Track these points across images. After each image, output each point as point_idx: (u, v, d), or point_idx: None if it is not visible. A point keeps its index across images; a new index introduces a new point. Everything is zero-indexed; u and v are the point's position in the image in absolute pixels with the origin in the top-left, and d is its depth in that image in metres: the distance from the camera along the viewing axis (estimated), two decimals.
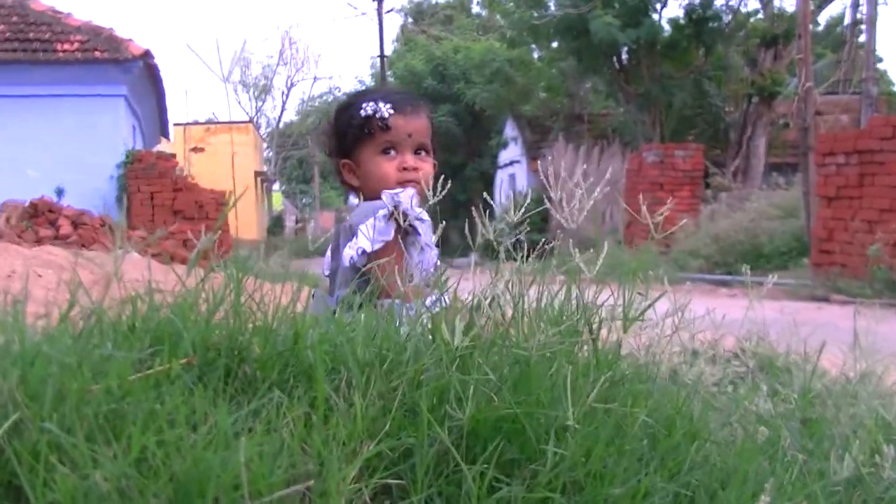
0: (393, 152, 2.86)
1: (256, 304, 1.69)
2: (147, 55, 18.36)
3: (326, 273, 2.88)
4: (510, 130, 31.69)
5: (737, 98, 24.63)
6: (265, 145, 53.30)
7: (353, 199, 2.85)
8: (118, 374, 1.45)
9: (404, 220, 2.59)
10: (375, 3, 41.85)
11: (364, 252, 2.55)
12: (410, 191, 2.66)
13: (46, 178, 16.80)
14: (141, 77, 19.07)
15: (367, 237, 2.57)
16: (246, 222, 33.49)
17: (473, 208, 2.02)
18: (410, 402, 1.52)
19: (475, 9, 44.30)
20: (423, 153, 2.92)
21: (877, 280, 10.46)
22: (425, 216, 2.67)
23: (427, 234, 2.64)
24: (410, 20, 48.89)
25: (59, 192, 16.92)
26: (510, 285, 1.78)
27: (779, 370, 2.77)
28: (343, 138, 2.92)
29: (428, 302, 2.01)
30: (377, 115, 2.84)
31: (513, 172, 30.82)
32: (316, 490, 1.32)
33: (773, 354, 2.97)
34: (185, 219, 17.75)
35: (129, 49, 18.15)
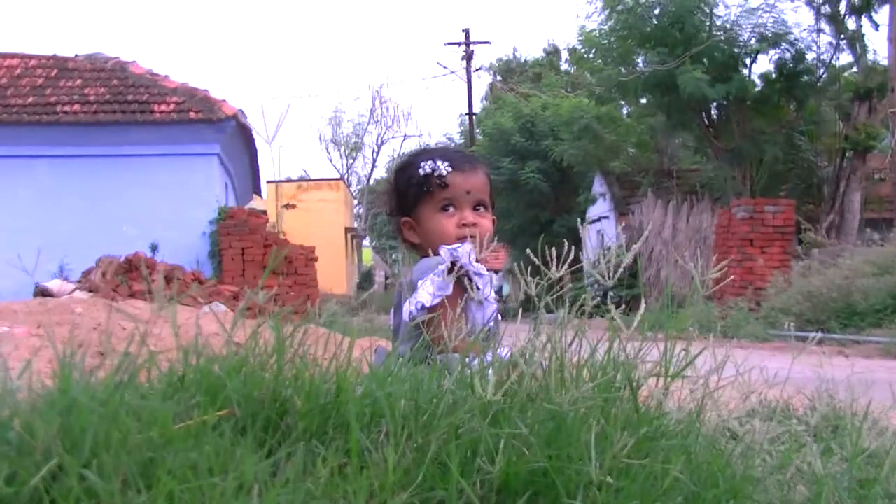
0: (452, 209, 2.89)
1: (300, 358, 1.73)
2: (239, 115, 18.84)
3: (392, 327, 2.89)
4: (598, 186, 31.59)
5: (830, 152, 24.22)
6: (356, 202, 53.96)
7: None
8: (160, 424, 1.50)
9: (463, 274, 2.61)
10: (464, 62, 42.29)
11: (423, 307, 2.56)
12: (468, 245, 2.69)
13: (142, 235, 17.29)
14: (233, 136, 19.57)
15: (426, 291, 2.59)
16: (336, 277, 33.82)
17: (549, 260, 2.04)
18: (444, 455, 1.53)
19: (563, 66, 44.49)
20: (482, 209, 2.94)
21: None
22: (484, 270, 2.70)
23: (486, 289, 2.67)
24: (499, 78, 49.30)
25: (154, 248, 17.36)
26: (552, 340, 1.79)
27: (844, 430, 2.72)
28: (403, 196, 2.96)
29: (487, 357, 2.02)
30: (436, 174, 2.88)
31: (600, 228, 30.64)
32: None
33: (837, 413, 2.91)
34: (274, 274, 18.02)
35: (223, 109, 18.66)
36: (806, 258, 17.99)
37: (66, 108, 18.77)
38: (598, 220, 31.29)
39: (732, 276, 18.61)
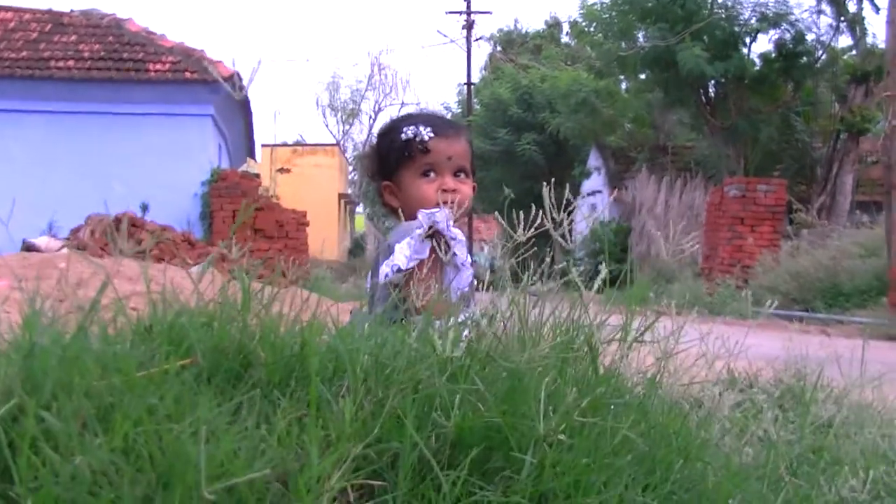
0: (433, 174, 2.91)
1: (266, 312, 1.76)
2: (236, 77, 18.74)
3: (369, 291, 2.89)
4: (594, 160, 31.58)
5: (825, 134, 24.23)
6: (351, 168, 53.88)
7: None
8: (122, 371, 1.53)
9: (440, 239, 2.61)
10: (465, 31, 42.14)
11: (399, 269, 2.58)
12: (446, 210, 2.68)
13: (132, 194, 17.26)
14: (228, 98, 19.52)
15: (402, 254, 2.61)
16: (328, 243, 33.84)
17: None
18: (401, 409, 1.57)
19: (564, 39, 44.36)
20: (463, 175, 2.97)
21: None
22: (461, 236, 2.71)
23: (462, 254, 2.68)
24: (499, 49, 49.13)
25: (144, 208, 17.35)
26: (516, 302, 1.82)
27: (807, 401, 2.76)
28: (384, 161, 2.98)
29: (460, 319, 2.05)
30: (418, 139, 2.91)
31: (594, 202, 30.66)
32: (294, 485, 1.37)
33: (802, 386, 2.95)
34: (265, 237, 18.04)
35: (219, 70, 18.59)
36: (796, 238, 18.04)
37: (60, 63, 18.69)
38: (592, 193, 31.30)
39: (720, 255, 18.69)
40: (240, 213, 15.68)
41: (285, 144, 44.89)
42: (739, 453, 1.78)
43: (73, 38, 19.64)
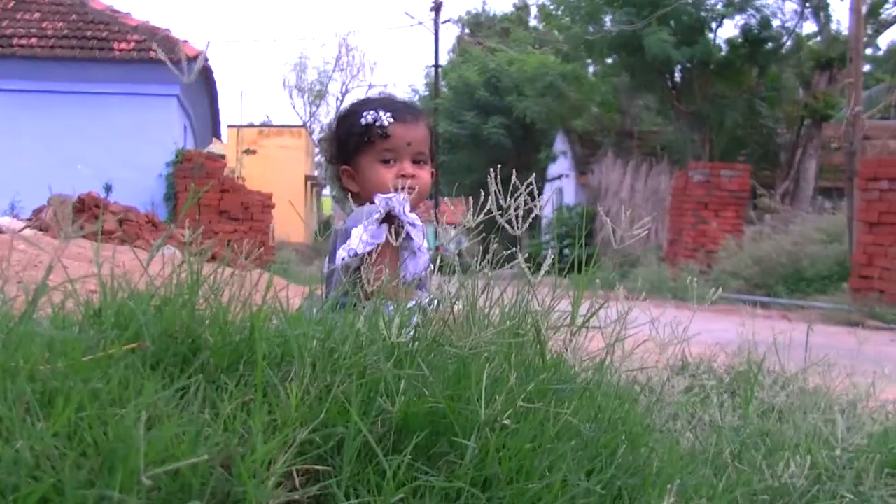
0: (392, 160, 2.92)
1: (215, 296, 1.76)
2: (202, 56, 18.57)
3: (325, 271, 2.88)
4: (560, 144, 31.60)
5: (789, 120, 24.41)
6: (317, 150, 53.66)
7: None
8: (68, 354, 1.52)
9: (396, 224, 2.59)
10: (433, 12, 42.01)
11: (354, 253, 2.57)
12: (403, 195, 2.68)
13: (97, 174, 17.09)
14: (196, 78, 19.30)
15: (358, 239, 2.60)
16: (294, 225, 33.72)
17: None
18: (347, 394, 1.58)
19: (532, 22, 44.32)
20: (422, 161, 2.97)
21: None
22: (418, 221, 2.72)
23: (419, 239, 2.69)
24: (467, 31, 49.00)
25: (108, 189, 17.20)
26: (465, 287, 1.83)
27: (759, 386, 2.80)
28: (344, 145, 2.98)
29: (410, 304, 2.04)
30: (377, 124, 2.91)
31: (561, 186, 30.69)
32: (238, 469, 1.38)
33: (754, 371, 2.99)
34: (230, 219, 17.95)
35: (184, 50, 18.39)
36: (759, 223, 18.18)
37: (23, 41, 18.45)
38: (559, 177, 31.31)
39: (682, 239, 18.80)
40: (190, 194, 15.52)
41: (251, 125, 44.57)
42: (686, 438, 1.80)
43: (37, 15, 19.40)
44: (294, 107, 61.60)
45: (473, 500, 1.45)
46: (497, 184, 1.92)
